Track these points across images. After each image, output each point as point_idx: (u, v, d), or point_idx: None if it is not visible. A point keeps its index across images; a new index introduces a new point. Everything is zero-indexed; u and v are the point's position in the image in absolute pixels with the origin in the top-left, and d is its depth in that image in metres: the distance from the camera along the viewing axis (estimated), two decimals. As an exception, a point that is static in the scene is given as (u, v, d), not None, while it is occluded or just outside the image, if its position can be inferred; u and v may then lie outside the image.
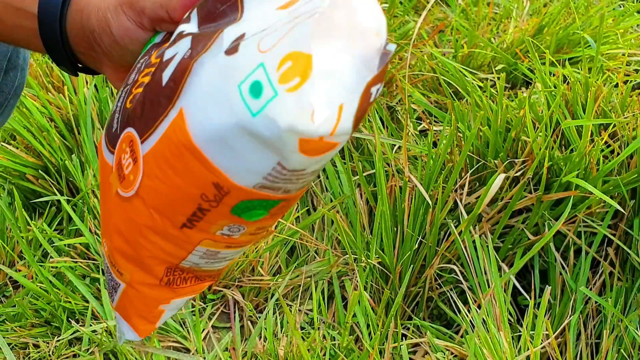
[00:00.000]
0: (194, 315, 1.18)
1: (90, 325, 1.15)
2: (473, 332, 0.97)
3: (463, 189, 1.12)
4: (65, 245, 1.25)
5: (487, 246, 1.07)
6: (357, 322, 1.11)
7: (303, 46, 0.39)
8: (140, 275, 0.51)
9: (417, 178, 1.10)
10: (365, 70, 0.41)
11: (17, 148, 1.30)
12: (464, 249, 1.06)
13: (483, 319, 0.97)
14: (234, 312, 1.20)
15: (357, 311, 1.11)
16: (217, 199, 0.44)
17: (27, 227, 1.25)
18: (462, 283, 1.09)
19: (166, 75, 0.45)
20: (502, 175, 1.04)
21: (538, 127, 1.07)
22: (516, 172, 1.06)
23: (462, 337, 1.04)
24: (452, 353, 0.98)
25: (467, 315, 0.99)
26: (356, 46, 0.41)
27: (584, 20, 1.50)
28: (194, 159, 0.43)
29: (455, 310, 1.12)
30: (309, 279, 1.20)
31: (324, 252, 1.22)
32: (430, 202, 1.05)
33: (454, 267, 1.05)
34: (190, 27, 0.47)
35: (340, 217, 1.20)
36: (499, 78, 1.08)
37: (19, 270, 1.22)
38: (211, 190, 0.44)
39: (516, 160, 1.05)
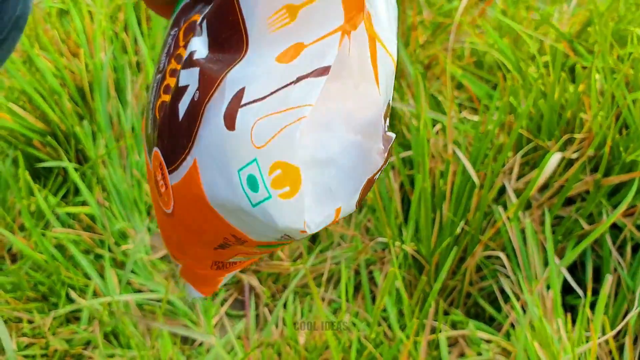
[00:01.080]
0: (205, 298, 1.07)
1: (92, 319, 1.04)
2: (519, 328, 0.86)
3: (512, 174, 1.01)
4: (69, 217, 1.15)
5: (538, 234, 0.97)
6: (386, 317, 1.00)
7: (290, 157, 0.38)
8: (192, 264, 0.51)
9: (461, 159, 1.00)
10: (366, 159, 0.39)
11: (26, 110, 1.21)
12: (511, 236, 0.95)
13: (534, 310, 0.85)
14: (249, 299, 1.09)
15: (388, 302, 1.00)
16: (238, 242, 0.45)
17: (30, 197, 1.15)
18: (507, 276, 0.98)
19: (181, 109, 0.43)
20: (559, 154, 0.94)
21: (597, 108, 0.98)
22: (573, 152, 0.96)
23: (504, 337, 0.93)
24: (498, 346, 0.87)
25: (516, 304, 0.88)
26: (357, 116, 0.39)
27: (637, 16, 1.41)
28: (210, 213, 0.43)
29: (497, 308, 1.01)
30: (334, 265, 1.09)
31: (351, 238, 1.12)
32: (476, 181, 0.95)
33: (500, 254, 0.95)
34: (201, 46, 0.43)
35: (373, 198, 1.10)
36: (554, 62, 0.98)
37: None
38: (231, 238, 0.44)
39: (574, 136, 0.94)
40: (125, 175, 1.20)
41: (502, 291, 1.00)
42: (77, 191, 1.19)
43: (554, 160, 0.94)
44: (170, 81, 0.44)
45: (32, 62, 1.24)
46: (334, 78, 0.38)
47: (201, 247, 0.47)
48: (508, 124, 0.99)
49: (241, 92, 0.39)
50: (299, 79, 0.38)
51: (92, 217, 1.15)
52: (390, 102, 0.40)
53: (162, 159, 0.44)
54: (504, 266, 1.00)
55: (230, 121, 0.39)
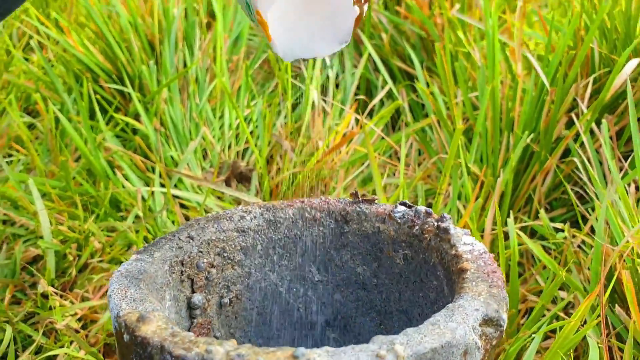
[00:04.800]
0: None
1: (134, 222, 1.00)
2: (598, 205, 0.77)
3: (584, 97, 0.96)
4: (124, 145, 1.14)
5: (615, 150, 0.89)
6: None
7: (264, 13, 0.46)
8: None
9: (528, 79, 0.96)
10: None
11: (97, 48, 1.24)
12: (586, 144, 0.88)
13: (617, 201, 0.77)
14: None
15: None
16: None
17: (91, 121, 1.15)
18: (581, 192, 0.90)
19: None
20: (636, 60, 0.89)
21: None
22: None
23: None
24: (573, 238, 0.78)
25: (599, 184, 0.80)
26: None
27: None
28: None
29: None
30: (389, 195, 1.03)
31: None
32: (547, 85, 0.90)
33: (575, 160, 0.87)
34: None
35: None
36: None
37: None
38: None
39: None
40: (185, 115, 1.19)
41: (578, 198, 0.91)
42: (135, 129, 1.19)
43: (630, 65, 0.88)
44: None
45: (110, 9, 1.29)
46: None
47: None
48: (579, 37, 0.95)
49: None
50: None
51: (147, 147, 1.14)
52: None
53: None
54: (576, 185, 0.92)
55: None
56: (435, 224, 0.48)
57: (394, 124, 1.24)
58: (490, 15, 0.97)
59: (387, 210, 0.51)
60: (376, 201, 0.52)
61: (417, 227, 0.49)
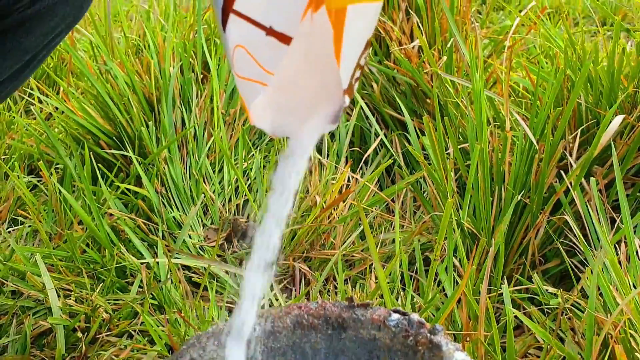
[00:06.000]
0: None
1: (140, 288, 1.03)
2: (590, 271, 0.80)
3: (573, 145, 0.98)
4: (127, 209, 1.17)
5: (605, 204, 0.92)
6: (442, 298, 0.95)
7: (248, 104, 0.48)
8: None
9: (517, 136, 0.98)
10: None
11: (97, 111, 1.27)
12: (576, 201, 0.91)
13: (606, 261, 0.79)
14: (300, 283, 1.05)
15: (445, 282, 0.95)
16: None
17: (92, 186, 1.18)
18: (573, 247, 0.92)
19: None
20: (621, 116, 0.91)
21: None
22: (637, 117, 0.93)
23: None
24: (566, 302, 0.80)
25: (589, 252, 0.82)
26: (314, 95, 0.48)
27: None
28: None
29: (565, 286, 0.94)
30: (387, 250, 1.06)
31: (406, 228, 1.09)
32: (535, 144, 0.93)
33: (566, 217, 0.89)
34: None
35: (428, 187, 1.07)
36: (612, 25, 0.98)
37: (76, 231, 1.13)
38: None
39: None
40: (185, 173, 1.22)
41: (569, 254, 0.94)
42: (137, 185, 1.22)
43: (616, 120, 0.91)
44: None
45: (107, 70, 1.31)
46: (294, 52, 0.44)
47: None
48: (565, 93, 0.98)
49: None
50: (270, 31, 0.44)
51: (150, 207, 1.16)
52: (369, 40, 0.47)
53: None
54: (567, 238, 0.94)
55: (224, 18, 0.45)
56: (428, 336, 0.50)
57: (389, 170, 1.27)
58: (476, 69, 1.00)
59: (382, 317, 0.53)
60: (371, 305, 0.54)
61: (411, 338, 0.51)
